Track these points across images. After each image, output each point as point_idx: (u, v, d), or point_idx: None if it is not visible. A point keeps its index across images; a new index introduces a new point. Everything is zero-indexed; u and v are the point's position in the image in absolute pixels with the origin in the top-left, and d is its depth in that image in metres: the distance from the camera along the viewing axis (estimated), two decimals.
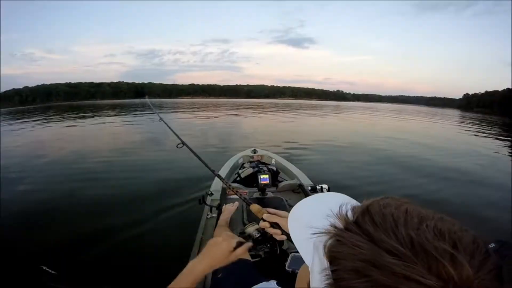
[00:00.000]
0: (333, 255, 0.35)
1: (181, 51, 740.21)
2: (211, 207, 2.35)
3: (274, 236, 0.92)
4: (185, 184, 4.97)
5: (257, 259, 1.65)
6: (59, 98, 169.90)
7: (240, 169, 3.56)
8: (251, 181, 3.04)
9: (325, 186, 2.57)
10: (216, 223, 2.09)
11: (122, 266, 2.79)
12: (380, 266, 0.30)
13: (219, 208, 2.34)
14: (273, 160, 3.89)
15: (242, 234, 1.66)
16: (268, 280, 0.86)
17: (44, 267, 1.63)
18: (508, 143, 14.54)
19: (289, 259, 1.48)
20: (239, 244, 0.92)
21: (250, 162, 3.77)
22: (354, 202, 0.47)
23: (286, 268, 1.42)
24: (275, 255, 1.60)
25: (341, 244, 0.35)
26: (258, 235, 1.19)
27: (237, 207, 2.34)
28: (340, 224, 0.38)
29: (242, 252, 0.92)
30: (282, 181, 3.17)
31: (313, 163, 7.08)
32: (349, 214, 0.39)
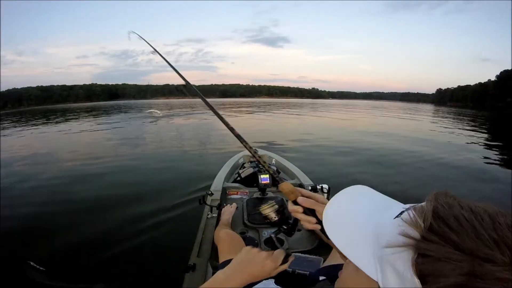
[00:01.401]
0: (426, 273, 0.33)
1: (155, 51, 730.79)
2: (211, 207, 2.32)
3: (304, 224, 0.78)
4: (185, 184, 4.90)
5: None
6: (31, 102, 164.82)
7: (240, 169, 3.56)
8: (251, 181, 3.01)
9: (325, 186, 2.42)
10: (217, 223, 2.09)
11: (116, 265, 2.76)
12: (483, 276, 0.30)
13: (219, 208, 2.33)
14: (273, 160, 3.88)
15: (242, 234, 1.90)
16: (266, 279, 0.85)
17: (31, 263, 1.64)
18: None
19: (290, 258, 1.16)
20: (285, 260, 0.86)
21: (251, 162, 3.71)
22: (382, 196, 0.51)
23: (287, 268, 1.13)
24: None
25: (434, 260, 0.33)
26: (276, 218, 1.31)
27: (237, 207, 2.35)
28: (414, 233, 0.36)
29: (284, 268, 0.85)
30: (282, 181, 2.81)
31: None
32: (415, 219, 0.37)
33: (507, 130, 19.33)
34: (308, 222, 0.77)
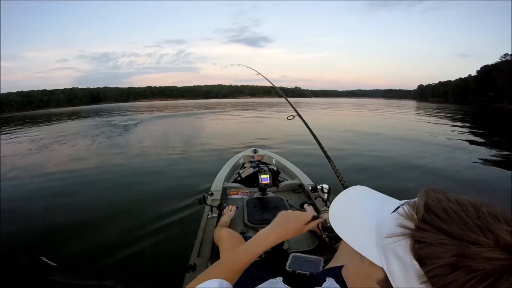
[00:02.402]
0: (423, 256, 0.39)
1: (135, 53, 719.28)
2: (211, 207, 2.33)
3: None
4: (185, 184, 4.98)
5: (258, 259, 1.28)
6: (11, 108, 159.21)
7: (240, 169, 3.60)
8: (251, 181, 3.05)
9: (325, 186, 2.32)
10: (217, 223, 2.10)
11: (122, 262, 2.79)
12: (471, 256, 0.35)
13: (219, 208, 2.35)
14: (273, 160, 3.89)
15: (242, 234, 1.93)
16: (274, 278, 0.89)
17: (43, 258, 1.62)
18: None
19: (289, 259, 1.39)
20: (315, 218, 0.98)
21: (251, 162, 3.78)
22: (380, 194, 0.57)
23: (287, 268, 1.32)
24: (275, 255, 1.61)
25: (428, 245, 0.38)
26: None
27: (238, 207, 2.40)
28: (410, 224, 0.41)
29: (313, 226, 0.99)
30: (282, 181, 3.19)
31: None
32: (410, 212, 0.43)
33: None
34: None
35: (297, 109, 2.90)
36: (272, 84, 3.12)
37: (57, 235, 3.45)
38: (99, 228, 3.55)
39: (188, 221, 3.35)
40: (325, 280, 0.98)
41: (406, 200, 0.48)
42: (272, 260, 1.59)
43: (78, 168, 6.95)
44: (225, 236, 1.57)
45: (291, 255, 1.48)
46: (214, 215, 2.29)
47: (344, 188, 1.05)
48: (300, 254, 1.46)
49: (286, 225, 0.92)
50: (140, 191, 4.95)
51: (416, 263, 0.39)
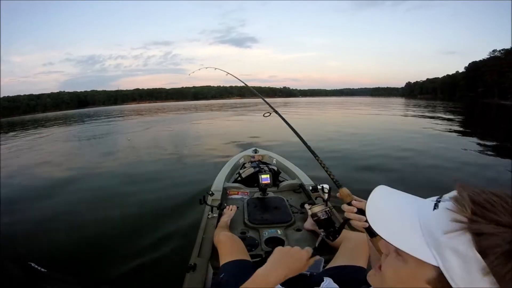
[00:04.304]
0: (484, 248, 0.39)
1: (122, 56, 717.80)
2: (212, 207, 2.30)
3: (353, 223, 0.93)
4: (185, 185, 4.91)
5: (257, 259, 1.62)
6: None
7: (241, 169, 3.58)
8: (252, 181, 3.04)
9: (326, 186, 2.19)
10: (217, 223, 2.10)
11: (118, 266, 2.65)
12: None
13: (220, 208, 2.32)
14: (274, 160, 3.89)
15: (242, 234, 2.05)
16: None
17: (32, 264, 1.55)
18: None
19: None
20: (314, 254, 0.98)
21: (251, 162, 3.78)
22: (402, 193, 0.56)
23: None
24: None
25: (487, 236, 0.39)
26: (324, 217, 1.26)
27: (238, 207, 2.37)
28: (463, 218, 0.41)
29: (312, 261, 0.98)
30: (283, 181, 3.18)
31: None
32: (459, 207, 0.42)
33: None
34: (357, 220, 0.91)
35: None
36: (244, 84, 2.96)
37: (48, 238, 3.37)
38: (93, 230, 3.49)
39: (188, 221, 3.28)
40: (323, 280, 1.09)
41: (437, 197, 0.48)
42: None
43: (79, 173, 6.72)
44: (223, 240, 1.59)
45: None
46: (214, 215, 2.28)
47: (337, 185, 1.08)
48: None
49: (288, 262, 0.91)
50: (137, 192, 4.81)
51: (479, 256, 0.38)
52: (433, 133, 10.76)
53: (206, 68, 3.51)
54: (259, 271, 0.90)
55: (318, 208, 1.34)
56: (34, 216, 4.07)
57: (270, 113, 2.58)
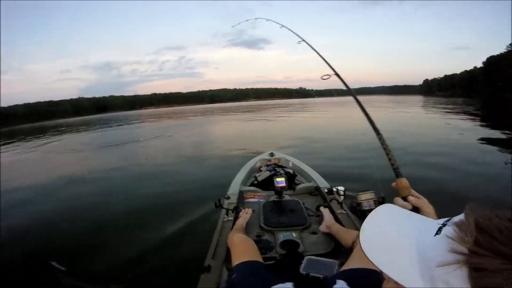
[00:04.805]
0: (482, 286, 0.34)
1: (137, 61, 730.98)
2: (227, 210, 2.33)
3: None
4: (202, 187, 5.05)
5: (271, 262, 1.68)
6: (19, 120, 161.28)
7: (257, 172, 3.58)
8: (268, 184, 3.05)
9: (341, 188, 2.37)
10: (232, 226, 2.12)
11: (134, 267, 2.77)
12: None
13: (235, 211, 2.34)
14: (290, 163, 3.89)
15: (258, 237, 2.06)
16: (283, 283, 0.90)
17: (53, 263, 1.68)
18: None
19: (304, 262, 1.44)
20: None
21: (267, 165, 3.74)
22: (408, 212, 0.54)
23: (301, 271, 1.35)
24: (290, 258, 1.66)
25: (488, 273, 0.34)
26: (368, 208, 1.26)
27: (254, 211, 2.40)
28: (463, 249, 0.36)
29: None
30: (299, 183, 3.19)
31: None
32: (461, 234, 0.38)
33: None
34: None
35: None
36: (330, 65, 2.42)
37: (68, 238, 3.55)
38: (110, 232, 3.64)
39: (204, 224, 3.33)
40: (335, 283, 1.03)
41: (446, 219, 0.43)
42: (286, 263, 1.63)
43: (100, 175, 7.07)
44: (236, 241, 1.60)
45: (305, 258, 1.51)
46: (230, 218, 2.31)
47: (397, 174, 1.00)
48: (314, 257, 1.50)
49: None
50: (153, 194, 4.99)
51: None
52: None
53: (256, 19, 3.23)
54: None
55: (365, 196, 1.32)
56: (54, 214, 4.49)
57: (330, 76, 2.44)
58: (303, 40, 2.37)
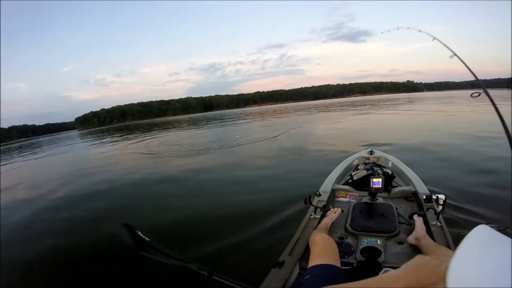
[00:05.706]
0: None
1: (240, 61, 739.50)
2: (316, 207, 2.33)
3: None
4: (294, 183, 4.99)
5: (348, 267, 1.63)
6: (134, 117, 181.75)
7: (353, 170, 3.46)
8: (363, 184, 2.96)
9: (441, 196, 2.30)
10: (317, 225, 2.10)
11: (212, 250, 2.98)
12: None
13: (324, 210, 2.33)
14: (389, 162, 3.63)
15: (340, 239, 1.97)
16: None
17: (139, 232, 1.61)
18: None
19: (381, 273, 1.40)
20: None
21: (365, 164, 3.66)
22: (506, 238, 0.45)
23: None
24: (368, 266, 1.61)
25: None
26: None
27: (343, 210, 2.35)
28: None
29: None
30: (396, 186, 3.05)
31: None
32: None
33: None
34: None
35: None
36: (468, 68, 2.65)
37: (163, 216, 4.16)
38: (200, 218, 3.95)
39: (290, 220, 3.32)
40: None
41: None
42: (363, 271, 1.54)
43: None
44: (317, 241, 1.53)
45: (383, 270, 1.48)
46: (316, 216, 2.25)
47: None
48: (391, 270, 1.31)
49: (416, 272, 0.72)
50: (246, 189, 5.17)
51: None
52: None
53: (407, 28, 3.35)
54: (392, 272, 0.79)
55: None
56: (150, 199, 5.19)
57: (479, 94, 2.40)
58: (455, 55, 2.52)
